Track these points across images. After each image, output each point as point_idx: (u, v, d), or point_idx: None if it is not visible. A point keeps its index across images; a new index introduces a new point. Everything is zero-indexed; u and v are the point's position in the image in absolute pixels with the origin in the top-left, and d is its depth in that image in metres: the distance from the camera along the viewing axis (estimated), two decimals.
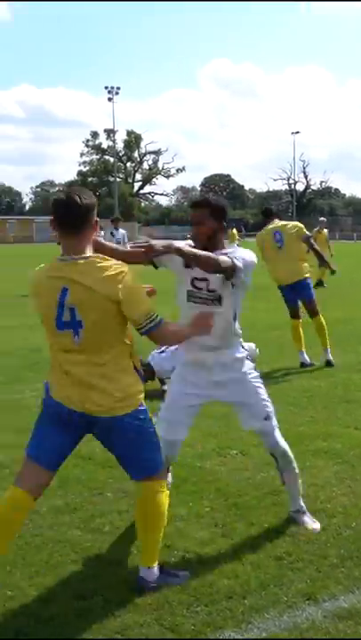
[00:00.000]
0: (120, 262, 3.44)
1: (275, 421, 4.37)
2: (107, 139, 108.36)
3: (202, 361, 4.22)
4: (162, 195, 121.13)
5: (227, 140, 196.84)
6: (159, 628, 3.38)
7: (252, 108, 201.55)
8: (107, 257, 3.44)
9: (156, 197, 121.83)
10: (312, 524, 4.44)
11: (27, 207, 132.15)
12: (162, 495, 3.72)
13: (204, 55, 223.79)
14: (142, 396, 3.62)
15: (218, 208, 4.11)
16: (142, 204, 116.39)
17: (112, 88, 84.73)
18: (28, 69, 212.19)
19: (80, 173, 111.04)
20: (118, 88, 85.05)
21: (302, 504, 4.54)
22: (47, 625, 3.40)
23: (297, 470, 4.53)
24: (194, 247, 3.96)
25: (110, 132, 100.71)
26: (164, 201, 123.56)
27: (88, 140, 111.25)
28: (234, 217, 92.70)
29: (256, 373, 4.38)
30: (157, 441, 3.72)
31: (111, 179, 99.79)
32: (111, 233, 18.27)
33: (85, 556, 4.09)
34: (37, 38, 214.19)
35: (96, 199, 3.48)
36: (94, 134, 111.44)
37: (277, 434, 4.39)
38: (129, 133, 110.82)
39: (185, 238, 4.50)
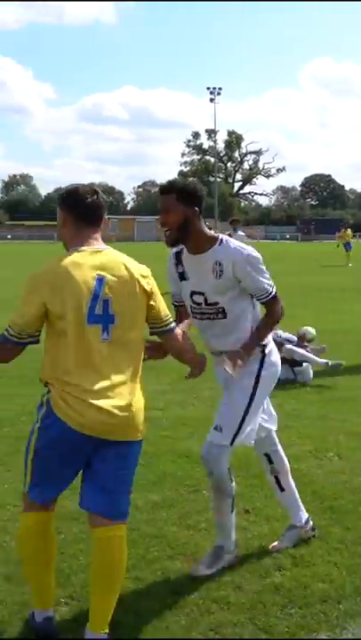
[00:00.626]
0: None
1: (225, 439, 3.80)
2: (208, 139, 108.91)
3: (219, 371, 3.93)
4: (262, 195, 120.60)
5: (327, 139, 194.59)
6: (253, 628, 3.37)
7: (354, 107, 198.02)
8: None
9: (255, 197, 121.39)
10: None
11: (129, 207, 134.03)
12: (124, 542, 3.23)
13: (306, 55, 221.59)
14: None
15: (187, 192, 3.64)
16: (242, 204, 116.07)
17: (214, 89, 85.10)
18: (132, 71, 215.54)
19: (181, 173, 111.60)
20: (220, 89, 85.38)
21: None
22: (144, 618, 3.43)
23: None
24: (178, 252, 3.83)
25: (211, 133, 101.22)
26: (263, 201, 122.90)
27: (189, 141, 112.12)
28: (334, 217, 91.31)
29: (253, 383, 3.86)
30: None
31: (211, 179, 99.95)
32: (229, 234, 18.25)
33: (181, 553, 4.11)
34: (141, 40, 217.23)
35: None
36: (195, 135, 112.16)
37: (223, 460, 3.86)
38: (230, 134, 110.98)
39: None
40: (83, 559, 3.98)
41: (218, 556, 3.92)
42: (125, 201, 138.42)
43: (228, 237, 3.81)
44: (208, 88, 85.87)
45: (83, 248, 3.14)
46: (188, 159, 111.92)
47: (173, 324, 3.41)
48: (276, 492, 4.28)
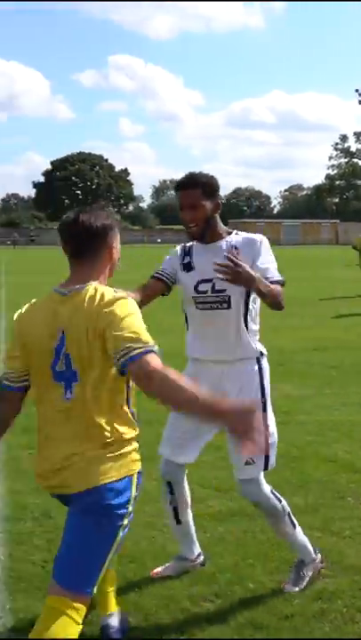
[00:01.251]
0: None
1: (259, 468, 3.59)
2: (356, 142, 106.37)
3: (205, 374, 3.59)
4: None
5: None
6: None
7: None
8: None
9: None
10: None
11: (275, 210, 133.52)
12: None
13: None
14: None
15: (210, 186, 3.51)
16: None
17: None
18: (280, 75, 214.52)
19: (328, 177, 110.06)
20: None
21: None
22: (287, 622, 3.40)
23: None
24: (193, 239, 3.62)
25: (360, 135, 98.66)
26: None
27: (337, 144, 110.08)
28: None
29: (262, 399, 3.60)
30: None
31: (359, 182, 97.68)
32: None
33: (325, 559, 4.04)
34: (289, 43, 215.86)
35: (115, 222, 2.82)
36: (343, 137, 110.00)
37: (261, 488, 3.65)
38: None
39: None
40: (228, 559, 4.00)
41: (300, 571, 3.75)
42: (272, 205, 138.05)
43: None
44: (357, 90, 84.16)
45: (56, 288, 2.77)
46: (335, 162, 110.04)
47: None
48: (171, 522, 3.94)
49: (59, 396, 2.65)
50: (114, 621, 3.27)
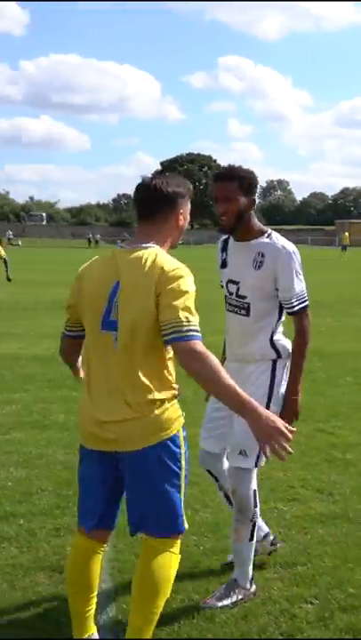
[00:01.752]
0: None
1: (249, 462, 3.53)
2: None
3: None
4: None
5: None
6: None
7: None
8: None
9: None
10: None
11: None
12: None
13: None
14: None
15: (248, 180, 3.41)
16: None
17: None
18: None
19: None
20: None
21: None
22: None
23: None
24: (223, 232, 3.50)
25: None
26: None
27: None
28: None
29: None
30: None
31: None
32: None
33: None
34: None
35: (186, 191, 2.90)
36: None
37: (247, 480, 3.57)
38: None
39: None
40: (328, 561, 3.97)
41: (231, 590, 3.56)
42: None
43: (276, 232, 3.57)
44: None
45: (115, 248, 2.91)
46: None
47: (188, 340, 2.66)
48: (229, 506, 3.86)
49: (110, 344, 2.77)
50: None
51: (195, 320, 2.65)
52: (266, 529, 3.98)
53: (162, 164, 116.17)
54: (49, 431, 6.36)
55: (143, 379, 2.74)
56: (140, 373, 2.74)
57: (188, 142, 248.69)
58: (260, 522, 3.78)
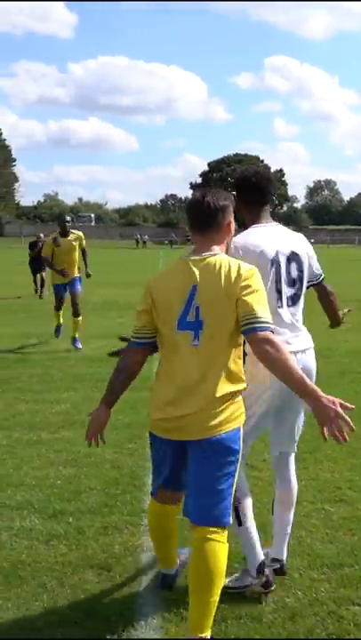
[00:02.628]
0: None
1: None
2: None
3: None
4: None
5: None
6: None
7: None
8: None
9: None
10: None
11: None
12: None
13: None
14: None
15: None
16: None
17: None
18: None
19: None
20: None
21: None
22: None
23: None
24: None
25: None
26: None
27: None
28: None
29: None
30: None
31: None
32: None
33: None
34: None
35: (231, 202, 3.24)
36: None
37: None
38: None
39: None
40: None
41: (243, 574, 3.69)
42: None
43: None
44: None
45: (185, 257, 3.20)
46: None
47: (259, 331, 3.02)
48: None
49: (187, 343, 3.06)
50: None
51: (267, 313, 3.01)
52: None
53: (209, 164, 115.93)
54: None
55: (220, 373, 3.05)
56: (216, 368, 3.05)
57: (234, 143, 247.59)
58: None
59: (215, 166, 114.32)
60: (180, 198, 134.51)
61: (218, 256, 3.12)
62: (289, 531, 3.84)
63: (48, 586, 3.68)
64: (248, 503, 3.65)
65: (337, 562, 3.95)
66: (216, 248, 3.17)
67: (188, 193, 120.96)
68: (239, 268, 3.07)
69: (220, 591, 3.06)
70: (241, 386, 3.12)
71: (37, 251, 18.02)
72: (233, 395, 3.07)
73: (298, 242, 3.72)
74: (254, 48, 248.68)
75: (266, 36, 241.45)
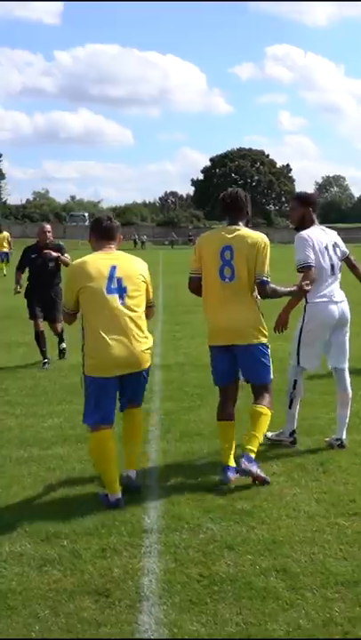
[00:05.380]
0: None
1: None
2: None
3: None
4: None
5: None
6: None
7: None
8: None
9: None
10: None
11: None
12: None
13: None
14: None
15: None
16: None
17: None
18: None
19: None
20: None
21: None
22: None
23: None
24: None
25: None
26: None
27: None
28: None
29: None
30: None
31: None
32: None
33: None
34: None
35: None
36: None
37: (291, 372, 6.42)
38: None
39: None
40: None
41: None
42: None
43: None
44: None
45: (99, 253, 5.36)
46: None
47: (153, 306, 5.58)
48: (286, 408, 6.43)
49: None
50: (133, 474, 5.42)
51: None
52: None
53: (212, 160, 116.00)
54: None
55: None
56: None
57: (237, 137, 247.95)
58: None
59: (218, 161, 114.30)
60: (182, 196, 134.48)
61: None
62: (346, 420, 6.26)
63: (41, 615, 3.65)
64: (298, 395, 6.38)
65: (352, 579, 3.93)
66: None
67: (190, 190, 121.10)
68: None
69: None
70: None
71: None
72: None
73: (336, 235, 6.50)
74: (255, 36, 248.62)
75: (267, 24, 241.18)
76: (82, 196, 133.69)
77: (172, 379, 9.26)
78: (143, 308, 5.29)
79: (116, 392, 5.24)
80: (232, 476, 5.40)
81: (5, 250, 30.69)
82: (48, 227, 10.81)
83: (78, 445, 6.35)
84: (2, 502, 5.11)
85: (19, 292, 10.94)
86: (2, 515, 4.88)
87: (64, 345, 10.84)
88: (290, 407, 6.31)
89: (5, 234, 31.77)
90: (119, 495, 5.08)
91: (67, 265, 9.93)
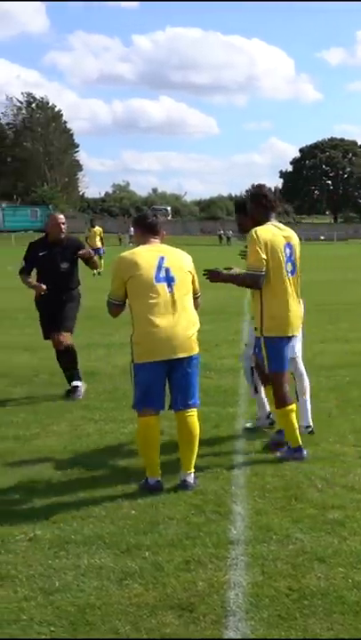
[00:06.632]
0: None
1: None
2: None
3: None
4: None
5: None
6: None
7: None
8: None
9: None
10: None
11: None
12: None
13: None
14: None
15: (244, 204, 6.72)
16: None
17: None
18: None
19: None
20: None
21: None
22: None
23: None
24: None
25: None
26: None
27: None
28: None
29: None
30: None
31: None
32: None
33: None
34: None
35: None
36: None
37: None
38: None
39: None
40: None
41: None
42: None
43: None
44: None
45: (147, 245, 5.81)
46: None
47: (199, 297, 5.97)
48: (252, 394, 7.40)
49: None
50: (190, 478, 5.61)
51: None
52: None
53: (301, 150, 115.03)
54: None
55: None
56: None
57: (327, 126, 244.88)
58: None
59: (308, 152, 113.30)
60: (270, 189, 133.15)
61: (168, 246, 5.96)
62: (308, 406, 6.85)
63: (121, 631, 3.66)
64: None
65: None
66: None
67: (279, 182, 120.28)
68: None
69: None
70: None
71: None
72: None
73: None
74: (345, 19, 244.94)
75: (358, 6, 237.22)
76: (164, 189, 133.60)
77: None
78: (191, 296, 5.75)
79: (165, 379, 5.59)
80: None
81: (99, 246, 29.59)
82: (62, 217, 8.98)
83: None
84: (79, 513, 5.15)
85: (44, 292, 8.71)
86: (80, 526, 4.92)
87: (79, 383, 8.80)
88: (256, 392, 7.12)
89: (98, 229, 31.19)
90: (158, 477, 5.57)
91: (95, 267, 9.51)
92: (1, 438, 7.04)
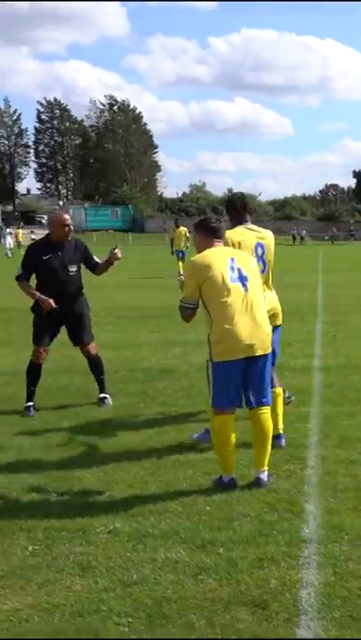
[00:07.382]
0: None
1: None
2: None
3: None
4: None
5: None
6: None
7: None
8: None
9: None
10: None
11: None
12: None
13: None
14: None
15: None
16: None
17: None
18: None
19: None
20: None
21: None
22: None
23: None
24: None
25: None
26: None
27: None
28: None
29: None
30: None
31: None
32: None
33: None
34: None
35: None
36: None
37: None
38: None
39: None
40: None
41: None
42: None
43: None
44: None
45: (214, 248, 5.77)
46: None
47: None
48: None
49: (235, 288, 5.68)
50: (263, 476, 5.58)
51: None
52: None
53: None
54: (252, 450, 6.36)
55: None
56: None
57: None
58: None
59: None
60: (343, 189, 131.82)
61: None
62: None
63: (196, 625, 3.67)
64: None
65: None
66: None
67: (352, 182, 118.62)
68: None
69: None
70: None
71: None
72: None
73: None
74: None
75: None
76: (239, 190, 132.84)
77: (332, 381, 9.11)
78: (262, 295, 5.81)
79: (241, 377, 5.54)
80: None
81: (183, 248, 27.38)
82: (68, 218, 7.87)
83: (237, 450, 6.35)
84: (156, 507, 5.18)
85: (54, 308, 7.65)
86: (157, 520, 4.95)
87: (107, 395, 8.28)
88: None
89: (183, 229, 28.16)
90: (233, 475, 5.57)
91: (105, 269, 8.09)
92: (85, 433, 7.13)
